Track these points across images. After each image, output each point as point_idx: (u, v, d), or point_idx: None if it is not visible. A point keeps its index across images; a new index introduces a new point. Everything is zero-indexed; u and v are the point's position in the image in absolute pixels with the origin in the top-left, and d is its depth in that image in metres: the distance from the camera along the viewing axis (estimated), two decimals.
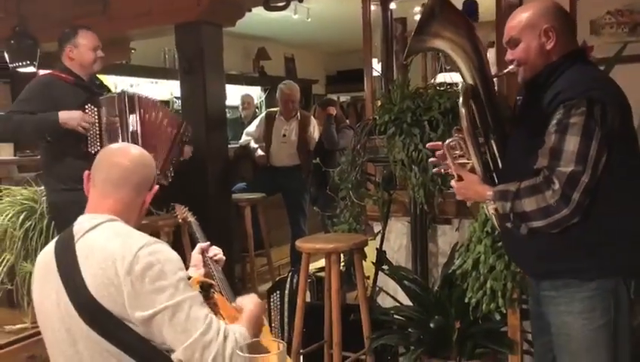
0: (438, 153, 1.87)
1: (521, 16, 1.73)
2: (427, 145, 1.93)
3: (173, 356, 1.41)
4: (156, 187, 1.64)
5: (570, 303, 1.66)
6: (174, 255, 1.48)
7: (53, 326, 1.49)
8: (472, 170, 1.79)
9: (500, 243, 2.28)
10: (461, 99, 1.73)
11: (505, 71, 1.79)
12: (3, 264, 3.36)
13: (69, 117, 2.98)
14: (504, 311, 2.35)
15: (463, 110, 1.73)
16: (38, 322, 1.56)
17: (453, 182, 1.84)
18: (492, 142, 1.80)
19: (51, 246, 1.55)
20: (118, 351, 1.41)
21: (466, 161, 1.79)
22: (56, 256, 1.50)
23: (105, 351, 1.42)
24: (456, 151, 1.80)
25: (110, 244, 1.44)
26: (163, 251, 1.46)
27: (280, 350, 1.08)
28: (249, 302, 1.71)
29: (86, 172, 1.61)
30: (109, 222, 1.51)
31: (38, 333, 1.61)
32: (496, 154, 1.80)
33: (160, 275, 1.41)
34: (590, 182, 1.55)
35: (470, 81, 1.78)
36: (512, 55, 1.75)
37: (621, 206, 1.64)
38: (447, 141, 1.81)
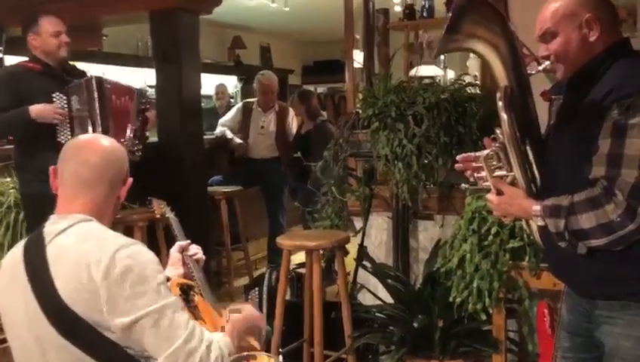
0: (458, 166, 1.69)
1: (556, 6, 1.54)
2: (457, 157, 1.70)
3: None
4: (130, 180, 1.55)
5: (628, 326, 1.49)
6: (153, 256, 1.39)
7: (20, 334, 1.39)
8: (512, 183, 1.59)
9: (486, 242, 2.25)
10: (501, 103, 1.53)
11: (540, 68, 1.59)
12: None
13: (41, 110, 2.88)
14: (490, 311, 2.31)
15: (504, 115, 1.52)
16: (5, 330, 1.45)
17: (490, 196, 1.63)
18: (528, 149, 1.59)
19: (19, 248, 1.44)
20: (92, 360, 1.33)
21: (505, 173, 1.59)
22: (24, 259, 1.40)
23: (78, 361, 1.33)
24: (494, 162, 1.60)
25: (84, 247, 1.35)
26: (141, 253, 1.37)
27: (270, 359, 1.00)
28: (240, 313, 1.58)
29: (51, 167, 1.50)
30: (82, 222, 1.41)
31: (4, 341, 1.51)
32: (533, 164, 1.59)
33: (140, 279, 1.32)
34: None
35: (505, 81, 1.57)
36: (548, 50, 1.56)
37: None
38: (485, 152, 1.60)
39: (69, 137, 2.89)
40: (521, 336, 2.48)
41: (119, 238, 1.39)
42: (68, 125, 2.95)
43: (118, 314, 1.31)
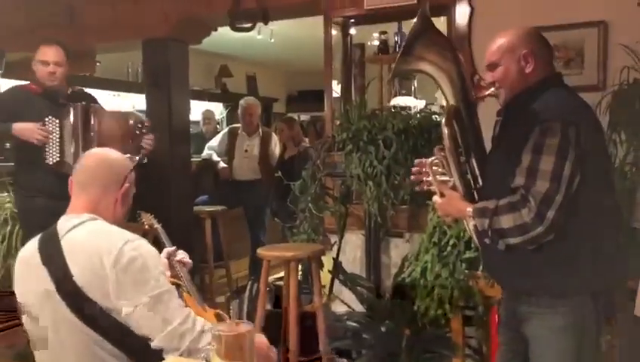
0: (414, 170, 1.96)
1: (501, 41, 1.82)
2: (415, 161, 1.98)
3: (153, 344, 1.53)
4: (127, 185, 1.74)
5: (544, 319, 1.73)
6: (154, 250, 1.62)
7: (37, 316, 1.59)
8: (454, 188, 1.86)
9: (445, 253, 2.49)
10: (444, 119, 1.83)
11: (486, 93, 1.86)
12: None
13: (22, 128, 3.04)
14: (450, 317, 2.53)
15: (445, 129, 1.81)
16: (23, 313, 1.65)
17: (435, 198, 1.91)
18: (473, 160, 1.87)
19: (33, 244, 1.65)
20: (100, 338, 1.53)
21: (448, 179, 1.87)
22: (40, 251, 1.61)
23: (86, 337, 1.53)
24: (439, 169, 1.88)
25: (95, 240, 1.57)
26: (145, 246, 1.60)
27: (247, 329, 1.22)
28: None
29: (70, 178, 1.73)
30: (90, 221, 1.63)
31: (16, 324, 1.69)
32: (477, 173, 1.87)
33: (143, 268, 1.54)
34: (564, 201, 1.61)
35: (453, 102, 1.85)
36: (493, 77, 1.83)
37: (593, 225, 1.69)
38: (431, 159, 1.90)
39: (58, 158, 3.06)
40: (479, 341, 2.69)
41: (125, 234, 1.61)
42: (57, 146, 3.10)
43: (123, 298, 1.52)
